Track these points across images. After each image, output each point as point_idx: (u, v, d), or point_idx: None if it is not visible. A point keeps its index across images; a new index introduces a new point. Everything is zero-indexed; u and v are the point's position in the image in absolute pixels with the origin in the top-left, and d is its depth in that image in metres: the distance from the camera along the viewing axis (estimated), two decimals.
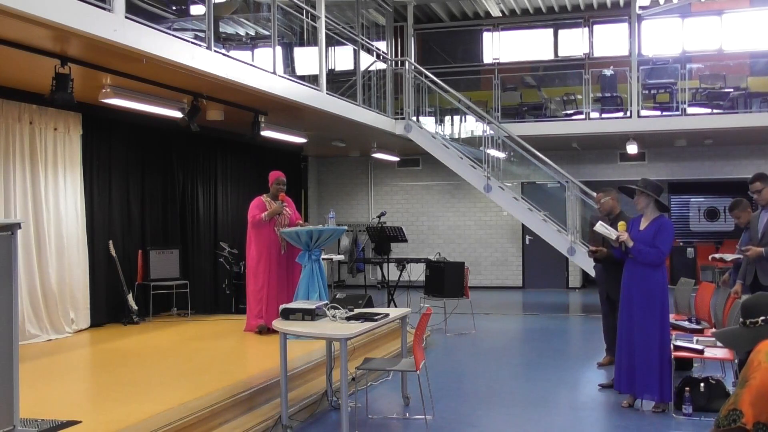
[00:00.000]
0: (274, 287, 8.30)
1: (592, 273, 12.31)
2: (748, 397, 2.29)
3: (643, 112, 13.51)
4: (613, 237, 6.22)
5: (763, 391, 2.27)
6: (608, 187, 8.06)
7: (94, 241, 9.20)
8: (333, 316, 5.88)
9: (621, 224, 6.35)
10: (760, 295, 2.74)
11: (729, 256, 6.99)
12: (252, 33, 11.50)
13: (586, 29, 15.69)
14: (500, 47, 16.12)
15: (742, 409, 2.29)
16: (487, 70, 15.52)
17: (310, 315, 5.80)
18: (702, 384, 6.17)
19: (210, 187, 11.50)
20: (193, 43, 7.21)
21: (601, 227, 6.37)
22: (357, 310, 6.15)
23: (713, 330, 6.77)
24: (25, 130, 8.17)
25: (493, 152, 13.08)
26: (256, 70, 8.48)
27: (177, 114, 8.50)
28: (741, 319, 2.63)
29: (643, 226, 6.26)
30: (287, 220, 8.42)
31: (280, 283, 8.34)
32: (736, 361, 6.09)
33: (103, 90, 7.52)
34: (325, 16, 10.15)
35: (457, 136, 14.02)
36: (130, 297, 9.41)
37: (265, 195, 8.43)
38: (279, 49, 9.63)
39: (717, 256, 7.46)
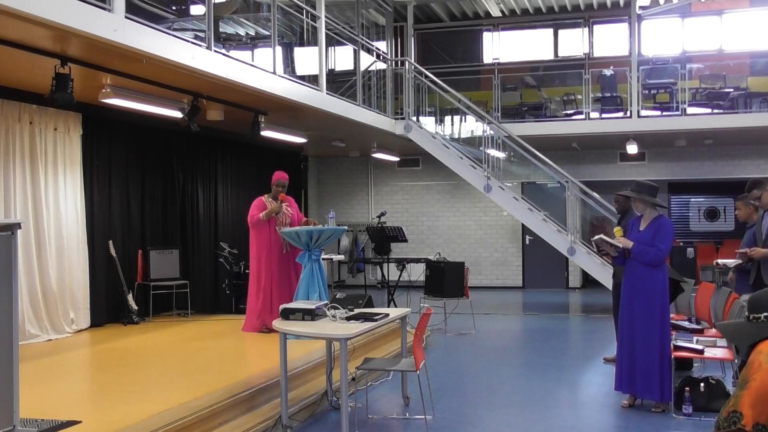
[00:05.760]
0: (275, 288, 8.29)
1: (593, 273, 12.36)
2: (748, 398, 2.28)
3: (643, 112, 13.51)
4: (618, 245, 6.22)
5: (762, 393, 2.27)
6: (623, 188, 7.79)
7: (94, 241, 9.20)
8: (333, 316, 5.88)
9: (617, 230, 6.38)
10: None
11: (731, 262, 6.98)
12: (252, 33, 11.49)
13: (586, 29, 15.68)
14: (500, 47, 16.11)
15: (741, 411, 2.28)
16: (487, 70, 15.51)
17: (310, 315, 5.80)
18: (702, 384, 6.17)
19: (210, 187, 11.49)
20: (193, 43, 7.20)
21: (601, 240, 6.34)
22: (357, 310, 6.15)
23: (716, 322, 6.76)
24: (25, 130, 8.17)
25: (493, 152, 13.07)
26: (256, 70, 8.48)
27: (177, 114, 8.50)
28: (746, 314, 2.62)
29: (642, 226, 6.27)
30: (288, 220, 8.41)
31: (282, 284, 8.33)
32: (736, 361, 6.09)
33: (103, 90, 7.51)
34: (325, 16, 10.15)
35: (457, 136, 14.01)
36: (130, 297, 9.41)
37: (266, 195, 8.45)
38: (279, 49, 9.63)
39: (720, 262, 7.46)
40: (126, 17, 6.13)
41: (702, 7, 14.91)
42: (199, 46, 7.26)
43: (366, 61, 12.57)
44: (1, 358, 3.93)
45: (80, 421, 4.81)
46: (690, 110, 13.28)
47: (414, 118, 13.17)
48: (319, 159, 17.45)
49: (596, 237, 6.41)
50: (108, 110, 8.50)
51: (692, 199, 17.54)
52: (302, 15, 10.24)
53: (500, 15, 15.17)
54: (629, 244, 6.16)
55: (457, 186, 16.03)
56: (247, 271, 9.54)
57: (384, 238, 12.34)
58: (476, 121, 13.54)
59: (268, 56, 8.98)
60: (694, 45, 15.17)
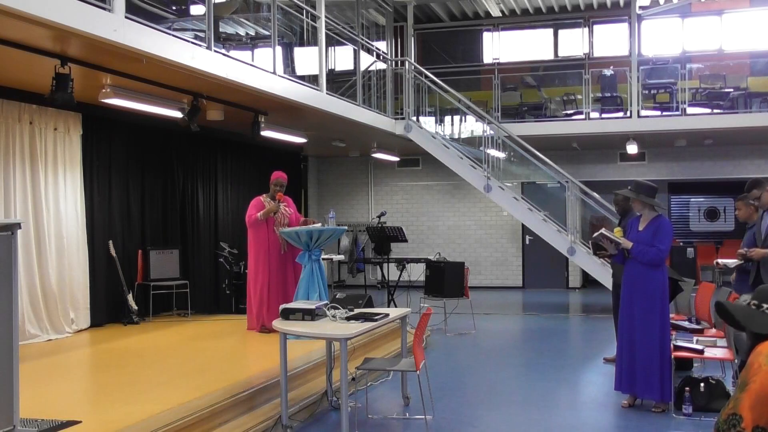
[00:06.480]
0: (274, 288, 8.31)
1: (593, 273, 12.36)
2: (748, 401, 2.27)
3: (643, 112, 13.52)
4: (619, 244, 6.22)
5: (762, 395, 2.26)
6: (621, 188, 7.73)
7: (94, 241, 9.20)
8: (333, 316, 5.88)
9: (617, 230, 6.39)
10: None
11: (731, 262, 6.98)
12: (252, 33, 11.49)
13: (586, 29, 15.69)
14: (500, 47, 16.12)
15: (741, 414, 2.27)
16: (487, 70, 15.52)
17: (310, 315, 5.80)
18: (702, 384, 6.17)
19: (210, 187, 11.49)
20: (193, 43, 7.20)
21: (602, 235, 6.35)
22: (357, 310, 6.15)
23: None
24: (25, 130, 8.17)
25: (493, 152, 13.08)
26: (256, 70, 8.48)
27: (177, 114, 8.50)
28: (756, 302, 2.57)
29: (641, 226, 6.28)
30: (287, 220, 8.41)
31: (281, 284, 8.33)
32: (736, 361, 6.09)
33: (103, 90, 7.51)
34: (325, 16, 10.15)
35: (457, 136, 14.01)
36: (130, 297, 9.41)
37: (264, 195, 8.45)
38: (279, 49, 9.63)
39: (720, 261, 7.48)
40: (126, 17, 6.13)
41: (702, 7, 14.91)
42: (199, 46, 7.26)
43: (366, 61, 12.57)
44: (1, 358, 3.93)
45: (80, 421, 4.81)
46: (690, 110, 13.29)
47: (414, 118, 13.18)
48: (319, 159, 17.45)
49: (596, 233, 6.42)
50: (108, 110, 8.50)
51: (692, 199, 17.54)
52: (302, 15, 10.24)
53: (500, 15, 15.17)
54: (629, 244, 6.17)
55: (457, 186, 16.03)
56: (246, 271, 9.54)
57: (384, 238, 12.33)
58: (476, 121, 13.54)
59: (268, 56, 8.98)
60: (694, 45, 15.17)
